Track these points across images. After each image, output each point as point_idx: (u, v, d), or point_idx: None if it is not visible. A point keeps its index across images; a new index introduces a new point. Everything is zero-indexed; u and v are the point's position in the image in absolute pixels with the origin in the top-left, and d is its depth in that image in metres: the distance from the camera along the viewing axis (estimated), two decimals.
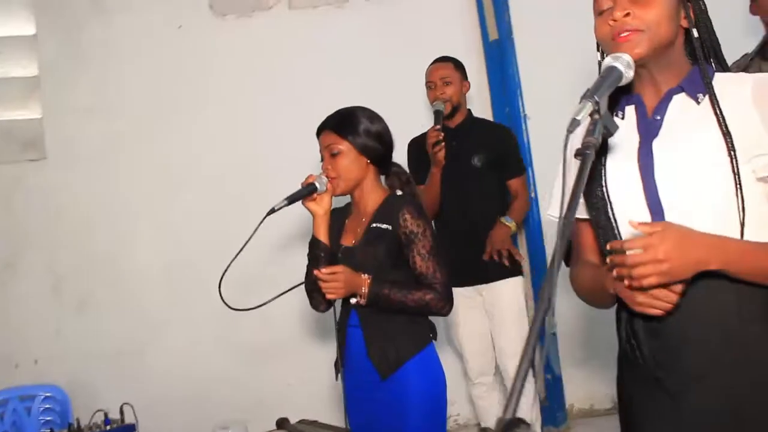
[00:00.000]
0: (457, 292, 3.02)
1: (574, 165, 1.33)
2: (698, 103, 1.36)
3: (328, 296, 2.12)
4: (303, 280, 2.30)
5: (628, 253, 1.21)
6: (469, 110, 3.41)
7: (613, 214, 1.40)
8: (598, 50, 1.50)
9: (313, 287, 2.23)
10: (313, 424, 2.93)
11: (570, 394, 4.12)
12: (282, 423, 2.91)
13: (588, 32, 3.95)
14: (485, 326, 3.25)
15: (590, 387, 4.13)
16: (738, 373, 1.29)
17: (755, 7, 2.72)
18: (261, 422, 3.05)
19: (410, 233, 2.12)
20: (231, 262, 2.08)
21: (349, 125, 2.20)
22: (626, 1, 1.36)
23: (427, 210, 2.53)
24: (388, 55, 4.13)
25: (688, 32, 1.40)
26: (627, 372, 1.42)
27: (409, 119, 3.98)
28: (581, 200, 1.53)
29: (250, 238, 2.06)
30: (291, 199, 2.14)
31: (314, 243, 2.22)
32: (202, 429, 3.34)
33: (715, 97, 1.33)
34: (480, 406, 3.34)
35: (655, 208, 1.33)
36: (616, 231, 1.40)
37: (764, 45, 2.74)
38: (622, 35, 1.34)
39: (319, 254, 2.21)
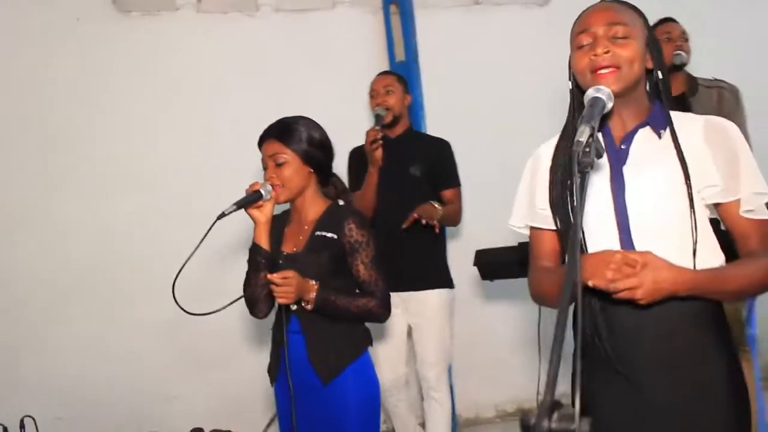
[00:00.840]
0: None
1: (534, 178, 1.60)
2: (660, 137, 1.57)
3: (280, 301, 2.14)
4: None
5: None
6: (410, 123, 3.54)
7: (582, 227, 1.55)
8: (570, 79, 1.66)
9: (253, 293, 2.24)
10: None
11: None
12: None
13: (490, 58, 4.21)
14: (404, 333, 3.35)
15: (475, 396, 4.35)
16: (685, 374, 1.48)
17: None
18: None
19: (355, 242, 2.20)
20: (182, 267, 2.06)
21: (293, 134, 2.25)
22: (606, 40, 1.54)
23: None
24: (294, 68, 4.20)
25: (648, 73, 1.59)
26: (588, 365, 1.57)
27: None
28: (543, 211, 1.68)
29: (201, 242, 2.06)
30: (239, 205, 2.16)
31: (255, 249, 2.24)
32: None
33: (675, 133, 1.53)
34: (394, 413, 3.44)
35: (623, 224, 1.52)
36: (582, 242, 1.55)
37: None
38: (602, 71, 1.51)
39: (260, 260, 2.23)
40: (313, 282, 2.15)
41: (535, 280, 1.72)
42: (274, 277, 2.10)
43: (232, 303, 2.25)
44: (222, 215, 2.12)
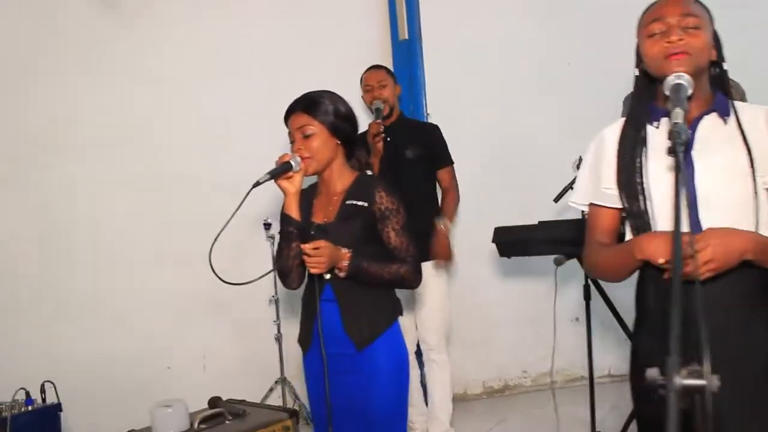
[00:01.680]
0: None
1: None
2: (725, 123, 1.66)
3: (313, 270, 2.17)
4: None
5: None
6: (401, 110, 3.72)
7: (648, 205, 1.65)
8: (637, 66, 1.74)
9: (286, 263, 2.26)
10: (242, 403, 2.91)
11: None
12: (215, 402, 2.86)
13: (492, 39, 4.21)
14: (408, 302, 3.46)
15: (463, 373, 4.45)
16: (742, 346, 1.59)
17: None
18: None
19: (385, 209, 2.24)
20: (218, 235, 2.07)
21: (320, 107, 2.27)
22: (679, 28, 1.62)
23: None
24: (293, 41, 4.18)
25: (712, 65, 1.69)
26: (654, 340, 1.64)
27: None
28: (608, 191, 1.76)
29: (235, 212, 2.08)
30: (271, 174, 2.18)
31: (286, 219, 2.26)
32: (134, 410, 3.15)
33: (740, 120, 1.62)
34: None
35: (692, 206, 1.60)
36: (648, 218, 1.63)
37: None
38: (676, 55, 1.58)
39: (291, 230, 2.25)
40: (346, 250, 2.18)
41: (593, 254, 1.80)
42: (307, 247, 2.12)
43: (266, 274, 2.25)
44: (257, 184, 2.14)
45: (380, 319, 2.26)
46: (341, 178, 2.31)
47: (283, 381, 3.91)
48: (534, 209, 4.10)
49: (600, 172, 1.81)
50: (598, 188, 1.81)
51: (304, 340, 2.36)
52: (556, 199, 3.21)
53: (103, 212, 3.93)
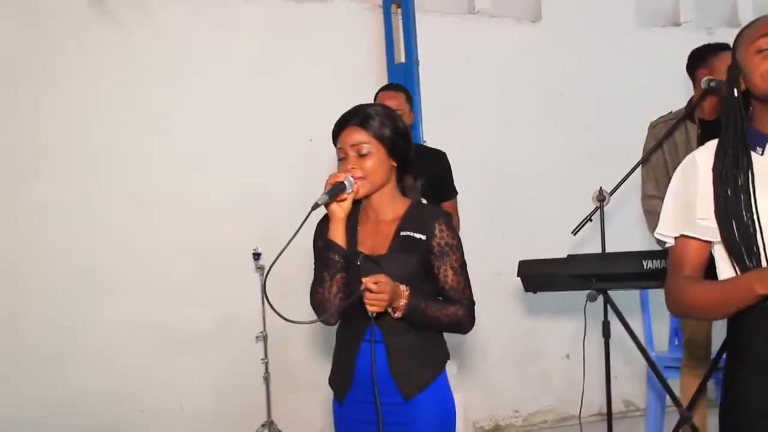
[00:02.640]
0: None
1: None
2: None
3: (372, 308, 1.90)
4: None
5: None
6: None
7: (758, 238, 1.54)
8: (733, 86, 1.63)
9: (326, 296, 2.01)
10: None
11: None
12: None
13: (484, 67, 4.12)
14: None
15: None
16: None
17: (705, 70, 3.09)
18: None
19: (445, 245, 2.01)
20: (274, 261, 1.81)
21: (379, 123, 2.03)
22: None
23: None
24: (287, 60, 4.00)
25: None
26: (743, 369, 1.57)
27: (302, 132, 3.92)
28: (703, 222, 1.63)
29: (294, 236, 1.81)
30: (330, 194, 1.92)
31: (331, 247, 2.00)
32: None
33: None
34: None
35: None
36: (763, 254, 1.51)
37: (691, 107, 3.13)
38: None
39: (337, 259, 1.99)
40: (404, 287, 1.95)
41: (682, 290, 1.65)
42: (369, 280, 1.87)
43: (339, 309, 1.97)
44: (316, 206, 1.89)
45: (430, 365, 2.02)
46: (392, 204, 2.06)
47: (270, 424, 3.60)
48: (534, 241, 4.02)
49: (693, 200, 1.66)
50: (690, 219, 1.66)
51: (341, 384, 2.09)
52: (575, 231, 3.06)
53: (77, 235, 3.58)
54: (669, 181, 3.22)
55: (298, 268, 3.88)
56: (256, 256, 3.66)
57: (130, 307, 3.60)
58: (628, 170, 3.07)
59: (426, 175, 3.16)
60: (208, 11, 3.88)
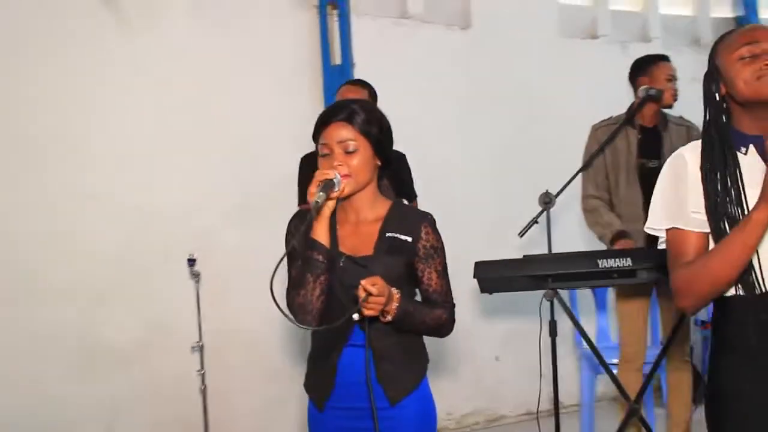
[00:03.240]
0: None
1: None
2: None
3: (368, 313, 1.82)
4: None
5: None
6: None
7: None
8: (714, 91, 1.72)
9: (308, 298, 1.92)
10: None
11: None
12: None
13: (415, 71, 4.14)
14: None
15: None
16: None
17: (645, 78, 3.25)
18: None
19: (431, 248, 1.97)
20: (278, 264, 1.71)
21: (366, 119, 1.95)
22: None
23: None
24: (228, 63, 3.87)
25: None
26: (735, 360, 1.64)
27: (237, 132, 3.79)
28: (696, 215, 1.70)
29: (299, 236, 1.73)
30: (325, 191, 1.83)
31: (315, 246, 1.89)
32: None
33: None
34: None
35: None
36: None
37: (632, 113, 3.27)
38: None
39: (319, 260, 1.89)
40: (395, 290, 1.89)
41: (690, 272, 1.67)
42: (367, 283, 1.80)
43: (345, 319, 1.86)
44: (317, 205, 1.79)
45: (414, 369, 1.98)
46: (374, 204, 1.99)
47: None
48: (461, 241, 4.05)
49: (685, 195, 1.71)
50: (683, 212, 1.71)
51: (321, 390, 2.00)
52: (521, 234, 3.12)
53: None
54: (608, 183, 3.39)
55: (238, 270, 3.76)
56: (191, 262, 3.47)
57: (48, 318, 3.32)
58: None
59: (390, 177, 3.12)
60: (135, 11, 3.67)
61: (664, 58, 3.34)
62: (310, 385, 2.03)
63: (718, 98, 1.72)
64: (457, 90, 4.45)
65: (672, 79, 3.30)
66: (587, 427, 3.81)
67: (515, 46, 4.61)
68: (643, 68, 3.33)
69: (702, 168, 1.70)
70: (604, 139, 3.30)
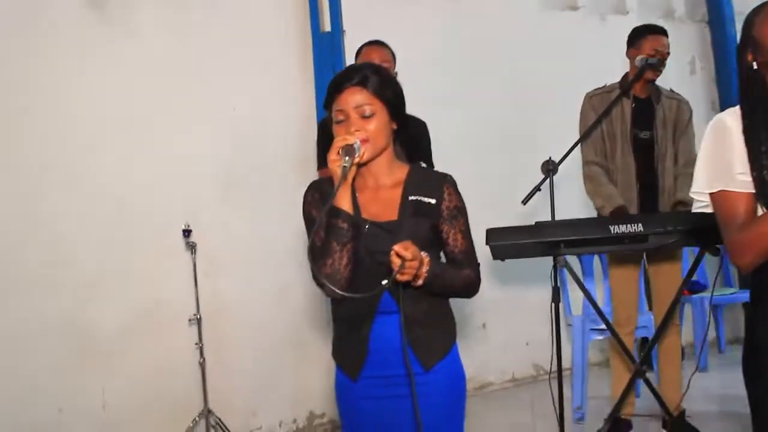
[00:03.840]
0: None
1: None
2: None
3: (402, 278, 1.80)
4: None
5: None
6: None
7: None
8: (751, 59, 1.73)
9: (335, 267, 1.87)
10: None
11: None
12: None
13: (403, 41, 4.10)
14: None
15: None
16: None
17: (635, 51, 3.30)
18: None
19: (454, 208, 1.95)
20: (312, 232, 1.73)
21: (382, 82, 1.90)
22: None
23: None
24: (213, 31, 3.72)
25: None
26: None
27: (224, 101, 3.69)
28: (741, 176, 1.73)
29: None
30: (350, 156, 1.78)
31: (339, 214, 1.84)
32: None
33: None
34: None
35: None
36: None
37: (630, 83, 3.32)
38: None
39: (345, 227, 1.84)
40: (424, 254, 1.87)
41: (750, 233, 1.69)
42: (400, 248, 1.73)
43: (384, 287, 1.83)
44: (345, 171, 1.76)
45: (445, 333, 1.97)
46: (391, 169, 1.95)
47: (207, 414, 3.35)
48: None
49: (731, 158, 1.74)
50: (730, 174, 1.74)
51: (354, 360, 1.96)
52: (525, 201, 3.14)
53: None
54: (606, 148, 3.43)
55: (229, 244, 3.67)
56: (186, 233, 3.39)
57: (36, 302, 3.17)
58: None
59: (409, 144, 3.05)
60: None
61: (653, 31, 3.38)
62: (341, 356, 1.99)
63: (755, 67, 1.74)
64: (447, 60, 4.42)
65: (657, 53, 3.33)
66: (579, 390, 3.91)
67: (498, 17, 4.61)
68: (632, 41, 3.39)
69: (744, 132, 1.74)
70: (599, 106, 3.36)
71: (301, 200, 2.00)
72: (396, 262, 1.74)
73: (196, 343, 3.37)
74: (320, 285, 1.90)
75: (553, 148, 3.21)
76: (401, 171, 1.98)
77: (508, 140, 4.55)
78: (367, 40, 3.28)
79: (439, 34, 4.42)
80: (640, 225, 2.73)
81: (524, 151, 4.16)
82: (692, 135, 3.45)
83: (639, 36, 3.39)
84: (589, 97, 3.45)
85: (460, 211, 1.95)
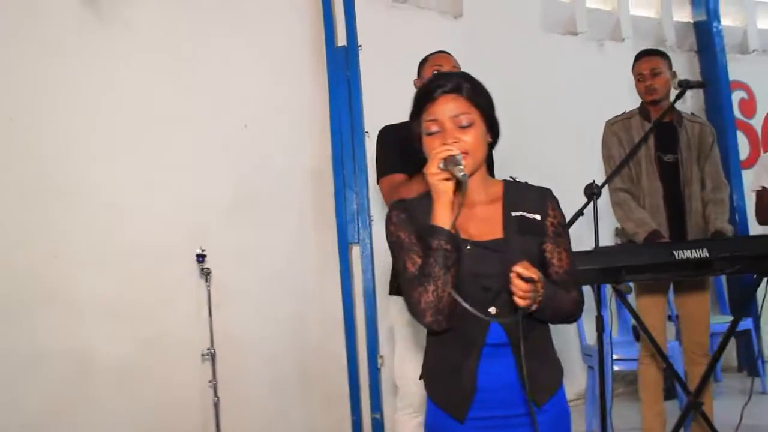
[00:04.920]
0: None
1: None
2: None
3: (523, 303, 1.61)
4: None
5: None
6: None
7: None
8: None
9: (440, 295, 1.67)
10: None
11: None
12: None
13: (409, 56, 3.97)
14: None
15: None
16: None
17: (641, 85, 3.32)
18: None
19: (559, 224, 1.79)
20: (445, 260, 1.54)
21: (475, 91, 1.74)
22: None
23: None
24: (225, 45, 3.49)
25: None
26: None
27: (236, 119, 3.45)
28: None
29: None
30: (458, 165, 1.62)
31: (444, 235, 1.65)
32: None
33: None
34: None
35: None
36: None
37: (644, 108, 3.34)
38: None
39: (449, 249, 1.64)
40: (539, 275, 1.68)
41: None
42: (522, 269, 1.56)
43: (522, 314, 1.62)
44: (466, 178, 1.60)
45: (554, 369, 1.79)
46: (486, 185, 1.79)
47: None
48: None
49: None
50: None
51: (461, 400, 1.74)
52: (568, 226, 3.00)
53: None
54: (632, 174, 3.37)
55: (241, 270, 3.37)
56: (200, 258, 3.08)
57: (34, 332, 2.82)
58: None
59: None
60: None
61: (637, 57, 3.39)
62: (442, 394, 1.77)
63: None
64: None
65: (641, 77, 3.32)
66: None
67: (502, 38, 4.53)
68: (633, 66, 3.40)
69: None
70: (620, 133, 3.33)
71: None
72: (519, 285, 1.57)
73: (210, 381, 3.05)
74: (418, 314, 1.70)
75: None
76: (496, 186, 1.82)
77: (505, 160, 4.44)
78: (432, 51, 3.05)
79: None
80: (704, 250, 2.63)
81: (520, 172, 4.03)
82: (717, 158, 3.42)
83: (634, 61, 3.40)
84: (610, 124, 3.40)
85: (564, 228, 1.80)
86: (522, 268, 1.57)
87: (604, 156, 3.40)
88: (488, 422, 1.72)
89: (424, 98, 1.74)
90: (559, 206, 1.79)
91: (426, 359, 1.85)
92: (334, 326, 3.66)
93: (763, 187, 3.40)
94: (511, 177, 1.60)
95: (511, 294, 1.60)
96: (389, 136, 2.78)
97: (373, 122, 3.61)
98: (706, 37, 5.20)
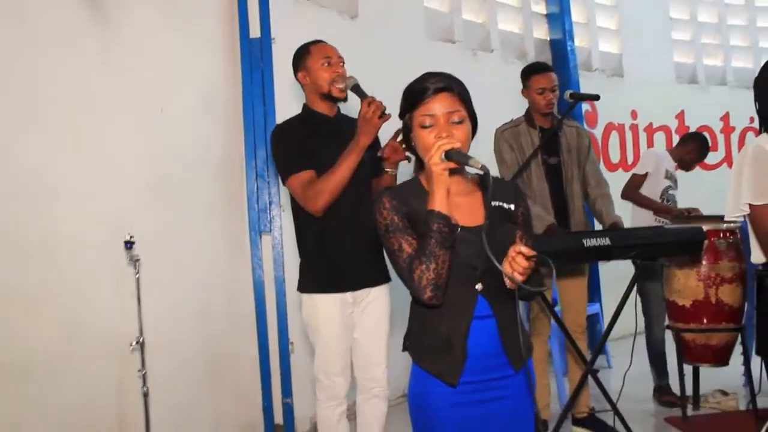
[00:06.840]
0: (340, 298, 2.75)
1: None
2: None
3: (520, 278, 1.82)
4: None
5: None
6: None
7: None
8: None
9: (441, 272, 1.84)
10: None
11: None
12: None
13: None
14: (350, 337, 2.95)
15: None
16: None
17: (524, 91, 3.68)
18: None
19: (527, 214, 2.05)
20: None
21: (467, 93, 1.93)
22: None
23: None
24: (140, 31, 3.37)
25: None
26: None
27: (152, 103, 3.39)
28: None
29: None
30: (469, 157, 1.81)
31: (441, 218, 1.83)
32: None
33: None
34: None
35: None
36: None
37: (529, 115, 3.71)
38: None
39: (447, 231, 1.83)
40: None
41: None
42: (527, 250, 1.76)
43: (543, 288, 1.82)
44: (486, 169, 1.76)
45: (525, 341, 2.03)
46: (465, 177, 2.00)
47: None
48: None
49: None
50: None
51: (453, 368, 1.92)
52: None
53: None
54: (523, 177, 3.71)
55: (160, 258, 3.26)
56: (129, 244, 2.97)
57: None
58: None
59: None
60: None
61: (537, 71, 3.71)
62: (435, 363, 1.95)
63: None
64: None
65: (542, 91, 3.65)
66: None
67: (392, 40, 4.76)
68: (523, 81, 3.72)
69: None
70: (510, 139, 3.65)
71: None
72: (521, 262, 1.77)
73: (139, 370, 2.95)
74: (419, 290, 1.87)
75: None
76: (472, 179, 2.03)
77: None
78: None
79: (343, 51, 4.43)
80: (607, 239, 3.03)
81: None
82: (595, 157, 3.88)
83: (527, 75, 3.72)
84: (501, 131, 3.69)
85: (528, 218, 2.05)
86: (525, 248, 1.78)
87: (497, 160, 3.70)
88: (476, 386, 1.92)
89: (418, 94, 1.89)
90: (526, 198, 2.04)
91: (414, 332, 2.02)
92: (246, 313, 3.68)
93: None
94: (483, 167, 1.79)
95: (493, 273, 1.80)
96: (285, 134, 2.83)
97: (285, 114, 3.69)
98: (561, 54, 5.82)
